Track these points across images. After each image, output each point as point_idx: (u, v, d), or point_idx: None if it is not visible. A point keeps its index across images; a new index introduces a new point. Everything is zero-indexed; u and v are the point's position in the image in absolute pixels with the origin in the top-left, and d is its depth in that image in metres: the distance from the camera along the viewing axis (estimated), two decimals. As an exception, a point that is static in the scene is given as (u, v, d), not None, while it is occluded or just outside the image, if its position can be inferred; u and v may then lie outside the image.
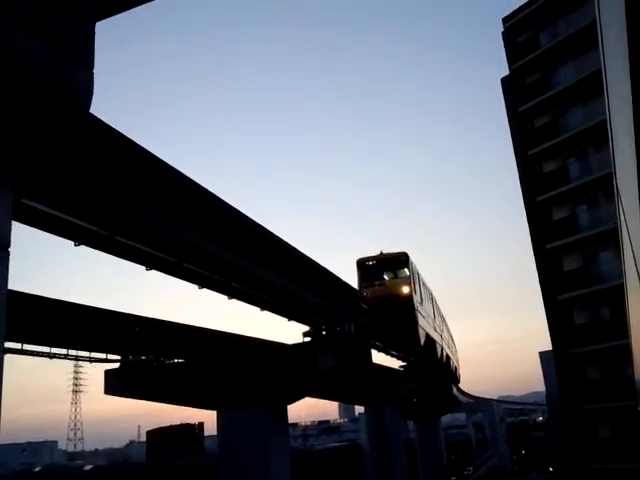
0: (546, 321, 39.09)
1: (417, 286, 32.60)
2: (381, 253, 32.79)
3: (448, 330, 54.04)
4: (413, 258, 35.70)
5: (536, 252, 39.61)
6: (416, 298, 31.56)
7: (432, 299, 41.63)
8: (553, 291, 37.00)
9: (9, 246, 5.91)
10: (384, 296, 29.42)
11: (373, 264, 32.19)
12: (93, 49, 6.05)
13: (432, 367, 39.41)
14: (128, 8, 7.04)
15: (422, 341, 31.76)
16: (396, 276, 31.59)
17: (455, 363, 57.30)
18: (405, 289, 30.63)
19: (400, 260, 32.31)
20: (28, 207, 9.73)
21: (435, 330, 39.60)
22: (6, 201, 6.12)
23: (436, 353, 38.89)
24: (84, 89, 5.69)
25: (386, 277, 31.60)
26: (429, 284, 44.70)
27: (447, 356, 46.20)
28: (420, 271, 35.68)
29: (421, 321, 31.88)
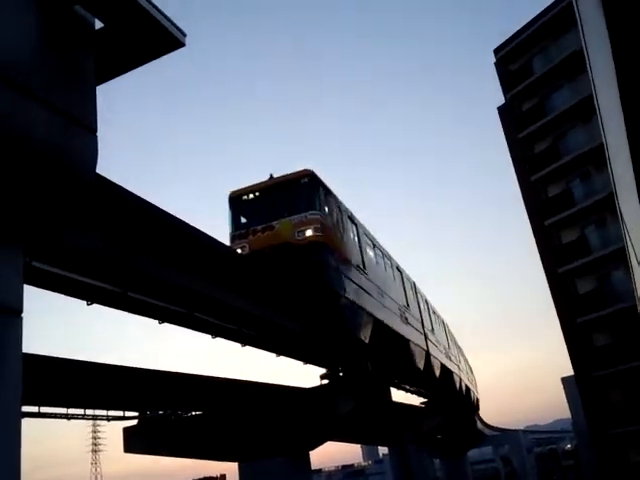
0: (565, 346, 38.68)
1: (337, 228, 19.49)
2: (270, 177, 19.36)
3: (448, 334, 40.25)
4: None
5: (549, 276, 39.35)
6: (338, 250, 18.85)
7: (392, 265, 26.91)
8: (570, 315, 36.61)
9: (22, 312, 5.92)
10: (273, 246, 17.36)
11: (255, 198, 19.17)
12: (96, 113, 6.18)
13: (443, 392, 35.73)
14: (127, 70, 7.24)
15: (358, 329, 19.12)
16: (294, 211, 18.11)
17: (467, 383, 44.73)
18: (309, 232, 17.48)
19: (301, 185, 18.79)
20: (39, 270, 9.82)
21: (407, 322, 26.21)
22: (17, 266, 6.15)
23: (412, 359, 26.11)
24: (89, 152, 5.80)
25: (278, 216, 18.21)
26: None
27: (442, 367, 32.94)
28: (348, 207, 21.42)
29: (352, 290, 18.95)
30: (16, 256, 6.13)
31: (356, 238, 21.37)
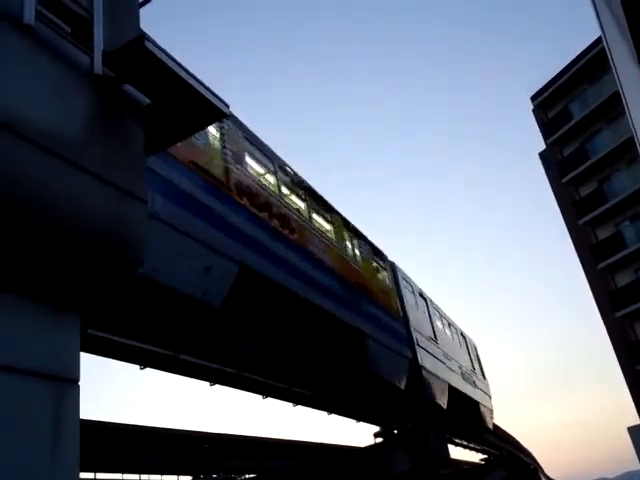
0: (630, 393, 36.99)
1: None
2: None
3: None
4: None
5: (606, 322, 38.09)
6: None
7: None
8: (631, 361, 35.21)
9: (79, 379, 6.02)
10: None
11: None
12: (146, 184, 6.45)
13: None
14: (175, 143, 7.56)
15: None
16: None
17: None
18: None
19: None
20: (93, 337, 10.07)
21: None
22: (75, 334, 6.29)
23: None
24: (140, 223, 6.03)
25: None
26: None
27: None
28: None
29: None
30: (74, 325, 6.29)
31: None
